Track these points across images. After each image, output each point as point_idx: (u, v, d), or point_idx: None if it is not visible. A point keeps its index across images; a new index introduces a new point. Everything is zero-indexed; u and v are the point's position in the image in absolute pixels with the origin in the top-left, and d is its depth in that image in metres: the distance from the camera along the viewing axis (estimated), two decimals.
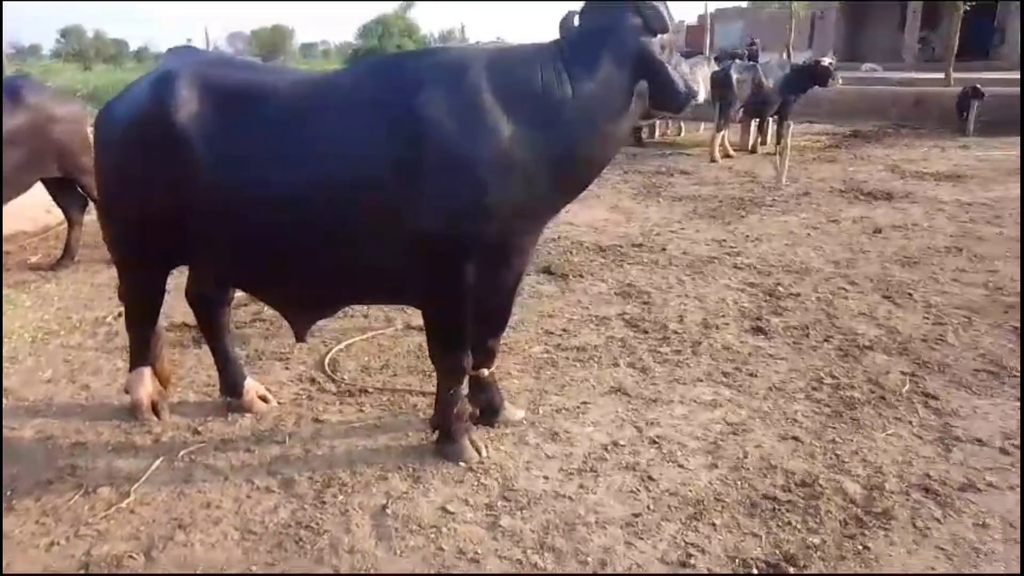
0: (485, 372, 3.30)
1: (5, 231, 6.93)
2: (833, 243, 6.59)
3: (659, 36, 2.81)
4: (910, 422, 3.44)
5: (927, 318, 4.75)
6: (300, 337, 3.36)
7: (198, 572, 2.47)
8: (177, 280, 3.59)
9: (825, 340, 4.42)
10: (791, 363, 4.09)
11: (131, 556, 2.53)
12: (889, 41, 31.56)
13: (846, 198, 8.53)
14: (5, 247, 6.70)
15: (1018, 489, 2.89)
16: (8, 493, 2.87)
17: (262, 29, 60.89)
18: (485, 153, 2.62)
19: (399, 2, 49.29)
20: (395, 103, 2.65)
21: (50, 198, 6.17)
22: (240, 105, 2.78)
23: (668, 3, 2.81)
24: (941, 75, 18.68)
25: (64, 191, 5.96)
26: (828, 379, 3.89)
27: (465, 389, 3.30)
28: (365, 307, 4.77)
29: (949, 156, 11.57)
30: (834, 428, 3.38)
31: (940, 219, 7.38)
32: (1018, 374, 3.88)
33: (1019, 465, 3.05)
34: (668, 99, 2.97)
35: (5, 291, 5.36)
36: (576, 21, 2.86)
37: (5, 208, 5.84)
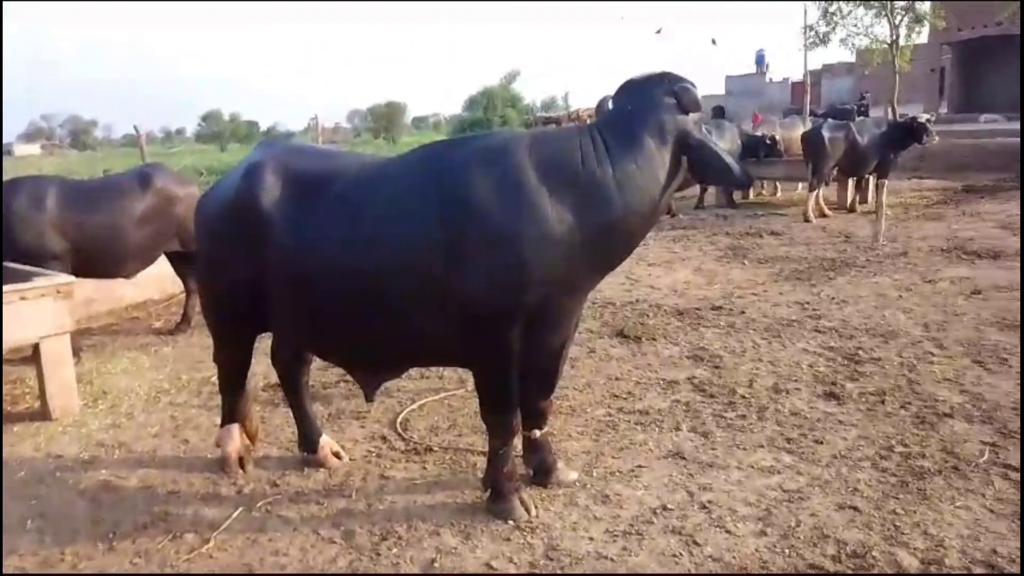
0: (537, 433, 3.43)
1: (136, 298, 7.80)
2: (926, 305, 6.32)
3: (691, 115, 2.98)
4: (983, 495, 3.27)
5: (1021, 385, 4.49)
6: (369, 397, 3.63)
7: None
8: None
9: (902, 407, 4.26)
10: (861, 430, 3.98)
11: None
12: (1011, 91, 29.92)
13: (947, 257, 8.15)
14: (136, 313, 7.53)
15: None
16: (111, 535, 3.24)
17: (377, 105, 64.88)
18: (525, 230, 2.83)
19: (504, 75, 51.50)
20: (444, 188, 2.93)
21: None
22: (312, 191, 3.14)
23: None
24: None
25: (183, 263, 6.64)
26: (899, 447, 3.76)
27: (518, 449, 3.46)
28: (440, 368, 5.03)
29: None
30: (898, 499, 3.27)
31: None
32: None
33: None
34: (717, 175, 3.16)
35: (131, 353, 6.02)
36: (610, 104, 3.07)
37: (138, 277, 6.60)
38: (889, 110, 20.34)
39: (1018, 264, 7.59)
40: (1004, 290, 6.64)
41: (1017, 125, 20.99)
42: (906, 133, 10.82)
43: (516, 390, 3.11)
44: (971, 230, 9.70)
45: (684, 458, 3.74)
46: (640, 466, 3.67)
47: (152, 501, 3.52)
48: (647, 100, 3.01)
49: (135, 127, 11.61)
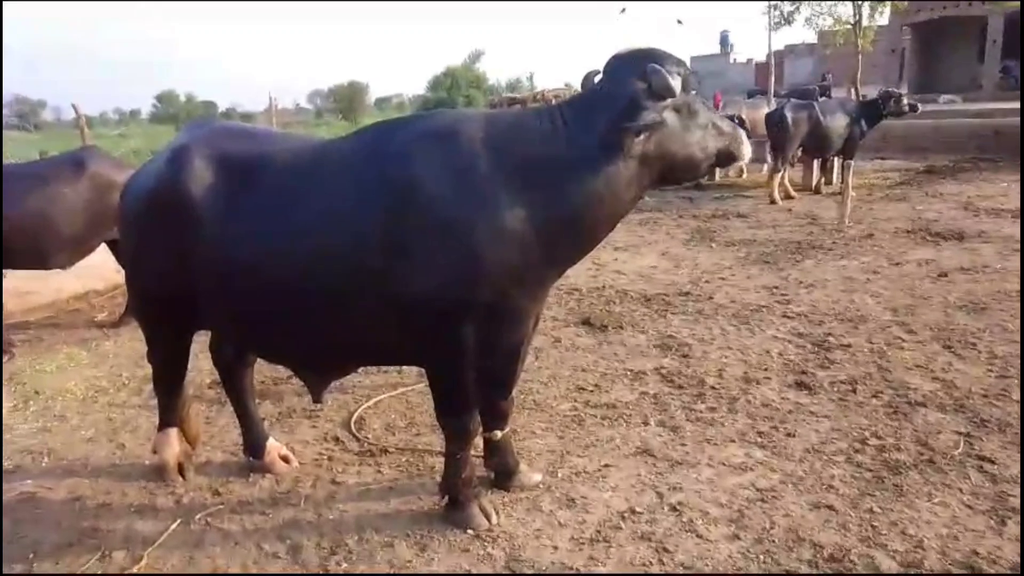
0: (498, 434, 3.22)
1: (78, 289, 7.39)
2: (893, 288, 6.24)
3: (668, 100, 2.71)
4: (960, 489, 3.16)
5: (991, 371, 4.40)
6: (316, 398, 3.38)
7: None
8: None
9: (874, 396, 4.14)
10: (834, 422, 3.85)
11: None
12: (968, 72, 30.43)
13: (912, 239, 8.11)
14: (76, 304, 7.13)
15: None
16: (31, 555, 2.96)
17: (339, 86, 63.47)
18: (474, 219, 2.58)
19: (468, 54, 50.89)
20: (387, 173, 2.66)
21: None
22: (246, 177, 2.85)
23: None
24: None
25: None
26: (873, 440, 3.63)
27: (479, 449, 3.25)
28: None
29: None
30: (873, 496, 3.13)
31: (1014, 260, 6.90)
32: None
33: None
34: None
35: (68, 348, 5.66)
36: (596, 80, 2.83)
37: (78, 266, 6.21)
38: (852, 90, 20.39)
39: (982, 245, 7.59)
40: (968, 272, 6.60)
41: (972, 107, 21.31)
42: (878, 111, 10.74)
43: (473, 391, 2.89)
44: (934, 211, 9.70)
45: (653, 455, 3.57)
46: (607, 465, 3.49)
47: (80, 515, 3.24)
48: (620, 81, 2.73)
49: (73, 106, 10.99)
